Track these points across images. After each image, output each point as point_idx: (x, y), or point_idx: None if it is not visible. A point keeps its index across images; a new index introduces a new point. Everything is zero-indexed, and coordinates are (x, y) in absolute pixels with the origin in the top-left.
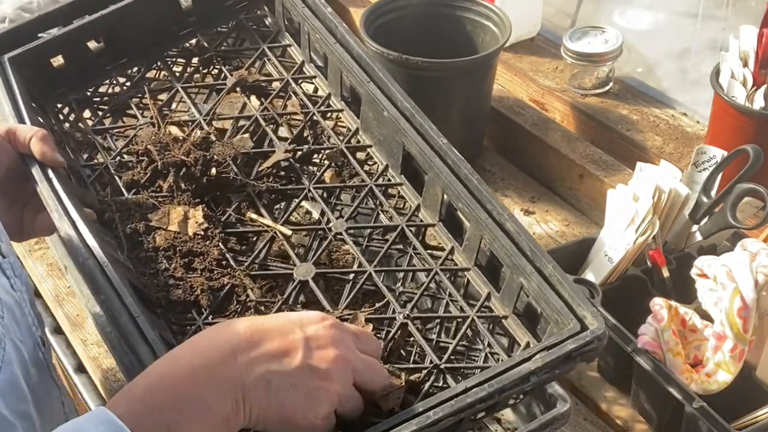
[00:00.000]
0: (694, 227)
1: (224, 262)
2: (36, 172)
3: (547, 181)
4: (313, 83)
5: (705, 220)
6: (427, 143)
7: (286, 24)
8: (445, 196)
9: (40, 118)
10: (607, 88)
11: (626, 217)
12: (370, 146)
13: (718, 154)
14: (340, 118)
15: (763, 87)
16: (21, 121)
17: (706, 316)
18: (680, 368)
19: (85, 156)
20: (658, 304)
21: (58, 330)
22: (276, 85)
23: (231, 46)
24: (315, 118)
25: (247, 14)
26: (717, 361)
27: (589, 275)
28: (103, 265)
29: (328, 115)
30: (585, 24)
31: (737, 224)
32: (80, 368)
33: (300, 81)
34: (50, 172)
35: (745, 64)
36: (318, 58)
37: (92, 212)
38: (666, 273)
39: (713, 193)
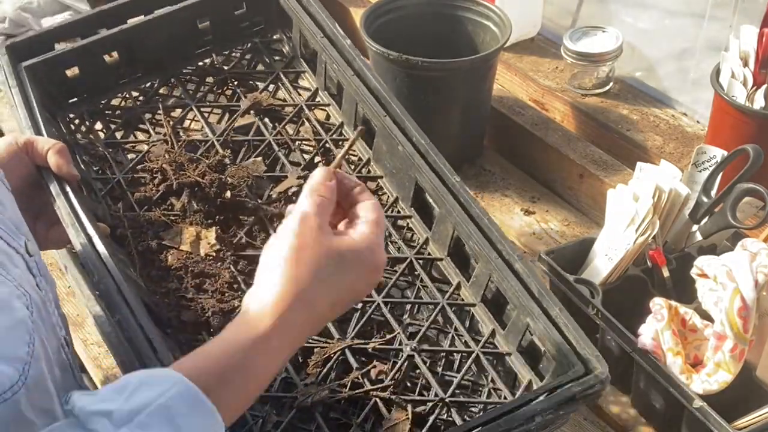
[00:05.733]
0: (694, 227)
1: (235, 285)
2: (53, 187)
3: (547, 181)
4: (325, 110)
5: (705, 220)
6: (440, 180)
7: (302, 50)
8: (456, 233)
9: (54, 129)
10: (607, 88)
11: (626, 217)
12: (381, 177)
13: (718, 154)
14: (352, 147)
15: (763, 87)
16: (37, 130)
17: (706, 316)
18: (680, 368)
19: (96, 169)
20: (658, 304)
21: None
22: (289, 110)
23: (246, 69)
24: (327, 145)
25: (263, 38)
26: (717, 361)
27: (589, 275)
28: (119, 284)
29: (340, 143)
30: (586, 23)
31: (737, 224)
32: (80, 368)
33: (313, 108)
34: (67, 187)
35: (746, 64)
36: (332, 86)
37: (106, 227)
38: (666, 273)
39: (713, 193)
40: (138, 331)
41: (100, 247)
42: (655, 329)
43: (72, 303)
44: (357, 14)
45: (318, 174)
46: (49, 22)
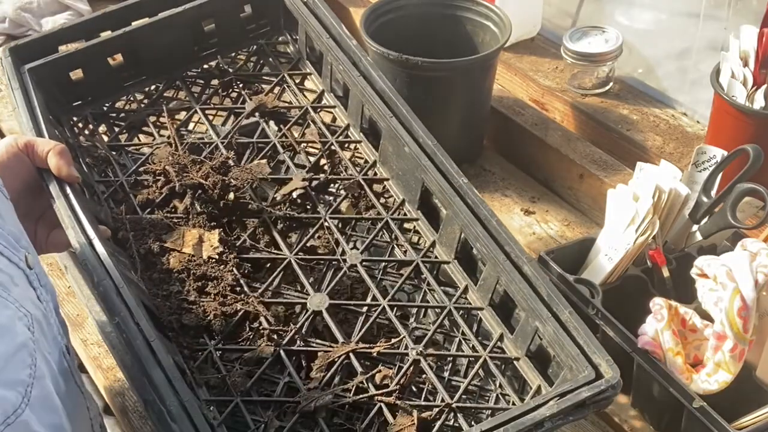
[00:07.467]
0: (694, 227)
1: (238, 288)
2: (53, 188)
3: (547, 181)
4: (331, 113)
5: (705, 220)
6: (447, 181)
7: (307, 52)
8: (463, 235)
9: (56, 131)
10: (607, 88)
11: (626, 217)
12: (387, 179)
13: (718, 154)
14: (358, 149)
15: (764, 87)
16: (39, 133)
17: (706, 316)
18: (680, 368)
19: (100, 171)
20: (658, 304)
21: None
22: (295, 112)
23: (251, 71)
24: (333, 147)
25: (268, 40)
26: (717, 361)
27: (589, 275)
28: (119, 286)
29: (346, 145)
30: (586, 24)
31: (737, 224)
32: (80, 368)
33: (319, 110)
34: (67, 189)
35: (746, 64)
36: (338, 88)
37: (107, 229)
38: (666, 273)
39: (713, 193)
40: (137, 333)
41: (100, 249)
42: (655, 329)
43: (72, 303)
44: (357, 14)
45: None
46: (49, 22)
